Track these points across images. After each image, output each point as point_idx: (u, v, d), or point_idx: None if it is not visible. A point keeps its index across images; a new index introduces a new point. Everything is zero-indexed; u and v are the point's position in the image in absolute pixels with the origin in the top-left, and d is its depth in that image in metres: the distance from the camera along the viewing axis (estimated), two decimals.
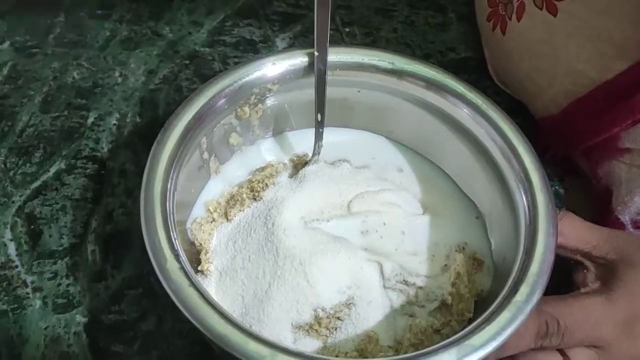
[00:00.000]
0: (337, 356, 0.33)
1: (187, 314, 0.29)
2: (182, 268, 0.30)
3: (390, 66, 0.40)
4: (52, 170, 0.45)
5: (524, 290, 0.31)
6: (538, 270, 0.31)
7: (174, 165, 0.34)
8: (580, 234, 0.37)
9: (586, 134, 0.44)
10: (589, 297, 0.34)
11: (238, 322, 0.29)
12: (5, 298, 0.39)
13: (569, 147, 0.47)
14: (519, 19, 0.45)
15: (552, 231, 0.33)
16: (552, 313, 0.33)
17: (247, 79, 0.39)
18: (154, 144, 0.35)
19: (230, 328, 0.29)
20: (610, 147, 0.43)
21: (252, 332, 0.29)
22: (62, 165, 0.45)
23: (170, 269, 0.30)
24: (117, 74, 0.51)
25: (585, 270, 0.36)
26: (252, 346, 0.28)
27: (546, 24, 0.43)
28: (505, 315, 0.30)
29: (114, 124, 0.48)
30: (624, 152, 0.43)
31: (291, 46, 0.53)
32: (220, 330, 0.29)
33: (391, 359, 0.30)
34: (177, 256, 0.31)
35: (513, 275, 0.32)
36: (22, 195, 0.43)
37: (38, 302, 0.39)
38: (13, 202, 0.43)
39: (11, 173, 0.44)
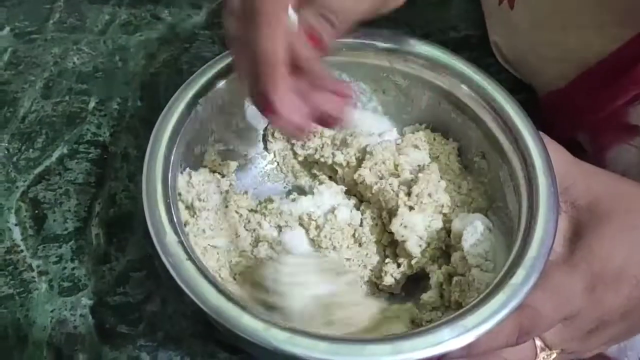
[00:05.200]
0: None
1: (183, 287, 0.30)
2: (181, 242, 0.31)
3: (390, 46, 0.40)
4: (55, 155, 0.45)
5: (520, 273, 0.30)
6: (536, 254, 0.31)
7: (176, 144, 0.35)
8: (561, 169, 0.35)
9: (592, 108, 0.43)
10: (555, 271, 0.32)
11: (233, 295, 0.30)
12: (12, 282, 0.39)
13: (575, 123, 0.46)
14: None
15: (552, 216, 0.32)
16: (532, 305, 0.31)
17: None
18: (158, 120, 0.35)
19: (225, 301, 0.29)
20: (618, 125, 0.42)
21: (246, 305, 0.29)
22: (65, 150, 0.45)
23: (169, 242, 0.31)
24: (117, 58, 0.51)
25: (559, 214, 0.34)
26: (246, 319, 0.29)
27: None
28: (499, 298, 0.29)
29: (115, 109, 0.48)
30: (634, 134, 0.42)
31: None
32: (215, 303, 0.29)
33: (373, 337, 0.31)
34: (176, 230, 0.31)
35: (511, 257, 0.32)
36: (25, 180, 0.44)
37: (44, 286, 0.39)
38: (17, 187, 0.43)
39: (14, 159, 0.45)
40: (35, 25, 0.52)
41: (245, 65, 0.30)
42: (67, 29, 0.52)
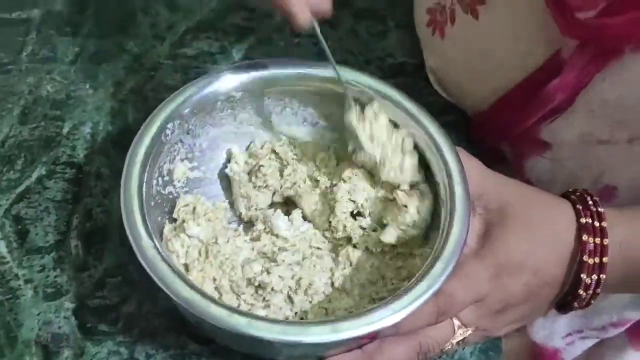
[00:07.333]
0: None
1: (159, 283, 0.35)
2: (155, 246, 0.36)
3: (329, 75, 0.45)
4: (34, 176, 0.49)
5: (439, 266, 0.37)
6: (452, 250, 0.37)
7: (149, 162, 0.40)
8: (476, 179, 0.40)
9: (510, 126, 0.49)
10: (467, 262, 0.38)
11: (201, 289, 0.35)
12: (0, 290, 0.44)
13: (499, 139, 0.52)
14: (452, 24, 0.50)
15: (466, 219, 0.39)
16: (447, 291, 0.37)
17: (209, 88, 0.44)
18: (133, 142, 0.41)
19: (195, 294, 0.35)
20: (533, 141, 0.48)
21: (212, 297, 0.35)
22: (43, 171, 0.49)
23: (145, 246, 0.36)
24: (87, 86, 0.55)
25: (473, 216, 0.39)
26: (213, 308, 0.34)
27: (473, 27, 0.47)
28: (422, 286, 0.36)
29: (88, 132, 0.52)
30: (545, 148, 0.48)
31: (246, 57, 0.59)
32: (186, 295, 0.35)
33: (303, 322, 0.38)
34: (150, 236, 0.37)
35: (432, 252, 0.38)
36: (8, 199, 0.48)
37: (30, 292, 0.44)
38: (0, 205, 0.47)
39: None
40: (10, 57, 0.56)
41: None
42: (40, 60, 0.56)
